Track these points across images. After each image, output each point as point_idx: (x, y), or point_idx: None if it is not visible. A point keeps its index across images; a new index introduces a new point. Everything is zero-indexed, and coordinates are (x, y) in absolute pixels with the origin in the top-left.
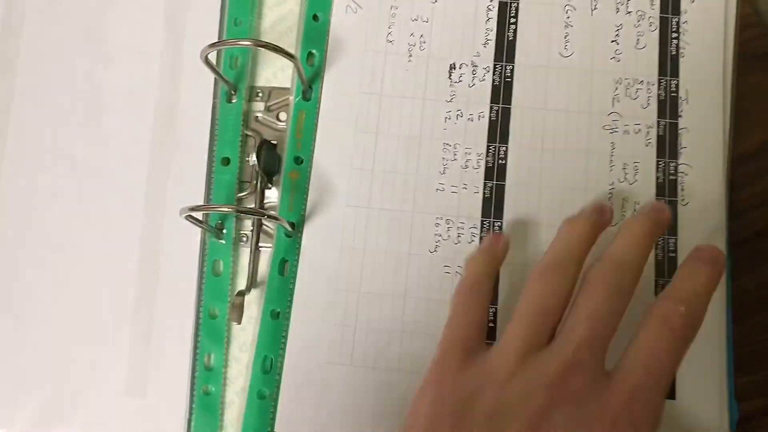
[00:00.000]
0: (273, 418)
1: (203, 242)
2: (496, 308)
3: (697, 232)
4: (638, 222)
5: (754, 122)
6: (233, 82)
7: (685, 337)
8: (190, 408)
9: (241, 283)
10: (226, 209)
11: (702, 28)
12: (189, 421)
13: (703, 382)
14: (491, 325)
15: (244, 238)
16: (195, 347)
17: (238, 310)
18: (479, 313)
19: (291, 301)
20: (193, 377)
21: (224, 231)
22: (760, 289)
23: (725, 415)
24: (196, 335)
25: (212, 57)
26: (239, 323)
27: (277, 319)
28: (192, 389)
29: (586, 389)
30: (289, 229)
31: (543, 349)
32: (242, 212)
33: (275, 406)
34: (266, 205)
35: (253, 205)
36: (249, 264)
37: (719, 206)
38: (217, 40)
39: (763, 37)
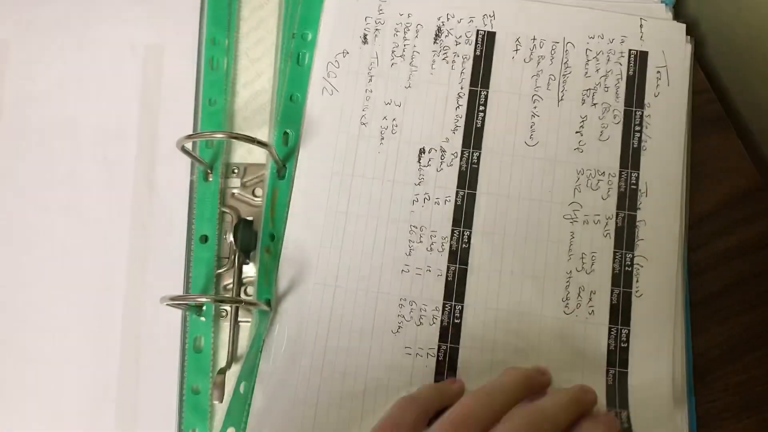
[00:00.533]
0: None
1: (184, 319)
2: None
3: (649, 324)
4: (569, 393)
5: (710, 184)
6: (209, 162)
7: None
8: None
9: (222, 359)
10: (205, 299)
11: (664, 122)
12: None
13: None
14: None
15: (224, 313)
16: (180, 424)
17: (220, 388)
18: (412, 419)
19: (256, 372)
20: None
21: (204, 308)
22: (716, 348)
23: None
24: (180, 412)
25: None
26: (221, 401)
27: (243, 393)
28: None
29: None
30: (267, 309)
31: None
32: (222, 301)
33: None
34: (244, 280)
35: (231, 281)
36: (228, 342)
37: (671, 297)
38: (192, 132)
39: (714, 102)
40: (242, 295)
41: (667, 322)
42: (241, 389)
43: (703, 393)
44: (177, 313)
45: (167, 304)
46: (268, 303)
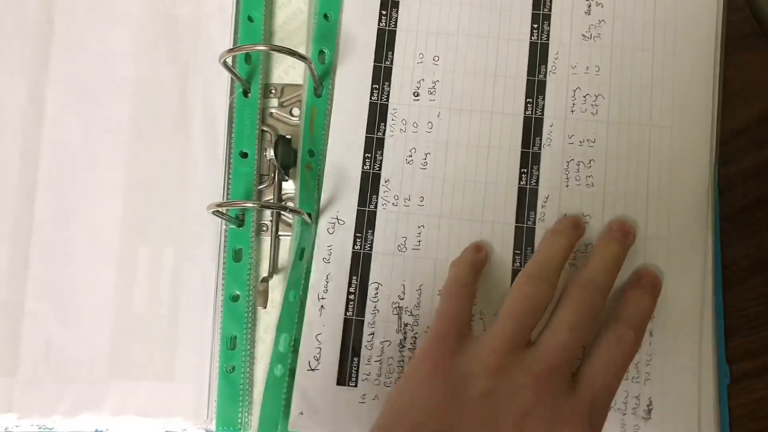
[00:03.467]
0: (289, 394)
1: (222, 234)
2: None
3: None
4: (609, 247)
5: (741, 100)
6: (247, 78)
7: (632, 356)
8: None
9: (263, 270)
10: (250, 204)
11: (692, 37)
12: (213, 396)
13: (693, 348)
14: None
15: (264, 228)
16: (215, 331)
17: (264, 295)
18: (467, 305)
19: (307, 286)
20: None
21: (243, 221)
22: (747, 259)
23: (713, 377)
24: (217, 318)
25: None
26: (265, 307)
27: (294, 301)
28: (214, 368)
29: (562, 391)
30: (309, 220)
31: (527, 348)
32: (266, 207)
33: (291, 383)
34: (284, 196)
35: (271, 197)
36: (270, 253)
37: (703, 211)
38: (233, 45)
39: (749, 20)
40: None
41: (699, 234)
42: (291, 298)
43: (733, 302)
44: (216, 227)
45: (212, 212)
46: (309, 216)
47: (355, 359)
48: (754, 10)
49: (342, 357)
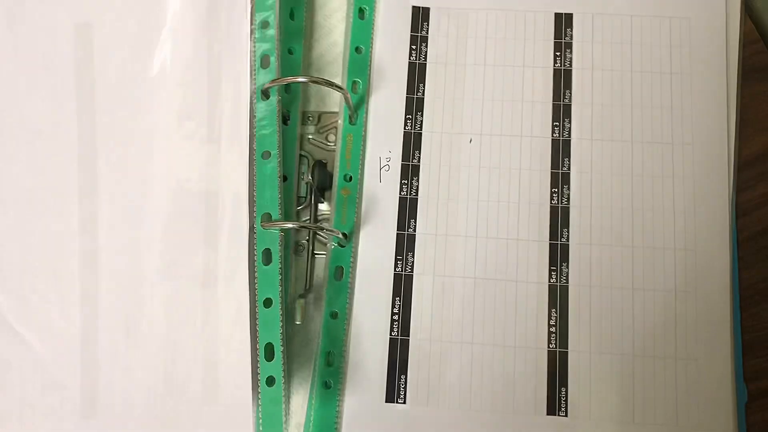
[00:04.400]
0: (340, 406)
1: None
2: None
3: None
4: None
5: (757, 130)
6: (286, 107)
7: None
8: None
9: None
10: (291, 225)
11: (711, 71)
12: (257, 405)
13: (713, 367)
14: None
15: (300, 248)
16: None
17: (302, 310)
18: None
19: (350, 302)
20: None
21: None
22: (764, 282)
23: (732, 396)
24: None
25: None
26: (300, 322)
27: (335, 319)
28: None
29: None
30: (343, 239)
31: None
32: (305, 227)
33: (341, 395)
34: (320, 217)
35: (308, 218)
36: (306, 270)
37: (724, 237)
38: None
39: (763, 52)
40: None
41: (720, 254)
42: (329, 315)
43: (750, 323)
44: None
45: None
46: (345, 236)
47: (402, 377)
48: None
49: (389, 375)
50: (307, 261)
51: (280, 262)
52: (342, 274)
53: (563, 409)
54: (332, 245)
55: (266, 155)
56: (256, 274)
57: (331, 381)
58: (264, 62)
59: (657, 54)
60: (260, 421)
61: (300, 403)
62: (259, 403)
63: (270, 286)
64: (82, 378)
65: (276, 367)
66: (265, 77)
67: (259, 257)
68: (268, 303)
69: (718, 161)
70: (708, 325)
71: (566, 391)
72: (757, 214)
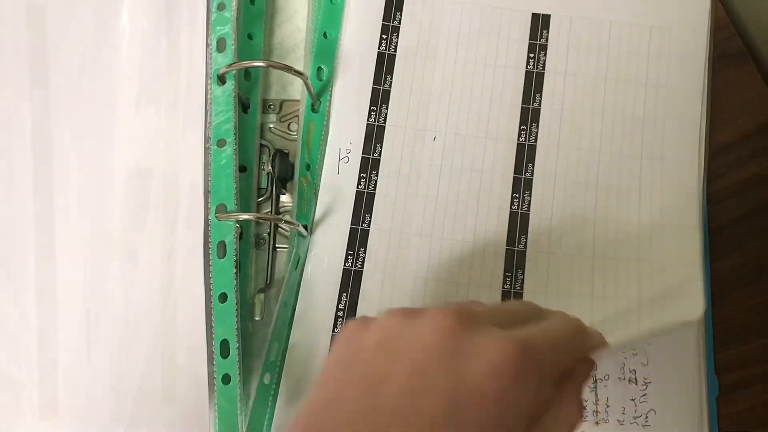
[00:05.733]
0: (273, 405)
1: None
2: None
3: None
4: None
5: (729, 117)
6: (246, 95)
7: (581, 332)
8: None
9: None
10: (247, 216)
11: (684, 57)
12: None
13: (684, 360)
14: None
15: (262, 241)
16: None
17: (261, 306)
18: None
19: (297, 294)
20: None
21: (243, 235)
22: (736, 272)
23: (704, 389)
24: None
25: None
26: (262, 318)
27: (285, 311)
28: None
29: (478, 327)
30: (304, 232)
31: None
32: (263, 219)
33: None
34: (281, 209)
35: (269, 209)
36: (267, 263)
37: (693, 226)
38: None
39: (734, 37)
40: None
41: (689, 248)
42: (284, 307)
43: (721, 314)
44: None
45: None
46: (305, 227)
47: None
48: (739, 28)
49: None
50: (268, 254)
51: (235, 256)
52: (298, 265)
53: None
54: (294, 237)
55: (221, 143)
56: (211, 267)
57: (270, 376)
58: (220, 45)
59: (634, 63)
60: (216, 420)
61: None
62: (215, 401)
63: (225, 280)
64: (41, 377)
65: (231, 365)
66: (221, 61)
67: (213, 250)
68: (223, 298)
69: (690, 150)
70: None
71: None
72: (728, 202)
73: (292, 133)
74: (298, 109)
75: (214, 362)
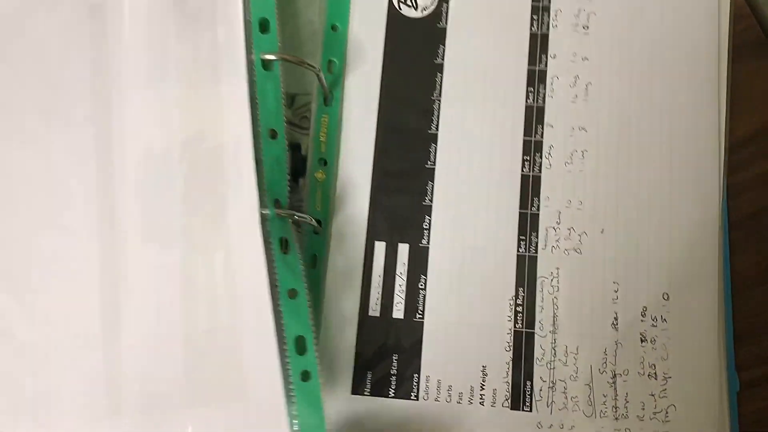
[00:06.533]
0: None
1: None
2: None
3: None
4: None
5: (749, 109)
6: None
7: None
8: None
9: None
10: (303, 216)
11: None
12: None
13: (704, 355)
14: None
15: None
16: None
17: None
18: None
19: (324, 292)
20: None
21: None
22: (757, 266)
23: (724, 385)
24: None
25: None
26: None
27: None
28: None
29: None
30: (317, 227)
31: None
32: (302, 219)
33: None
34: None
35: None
36: None
37: (714, 218)
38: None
39: (754, 27)
40: None
41: (710, 242)
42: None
43: (741, 310)
44: None
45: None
46: (319, 223)
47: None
48: (759, 19)
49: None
50: None
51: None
52: (316, 263)
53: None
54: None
55: (273, 134)
56: (274, 264)
57: (309, 370)
58: (263, 27)
59: (648, 52)
60: (296, 421)
61: None
62: (294, 401)
63: (293, 275)
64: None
65: (310, 362)
66: (266, 45)
67: (276, 246)
68: (293, 293)
69: (709, 145)
70: (698, 316)
71: None
72: (748, 195)
73: (304, 127)
74: (311, 103)
75: (288, 360)
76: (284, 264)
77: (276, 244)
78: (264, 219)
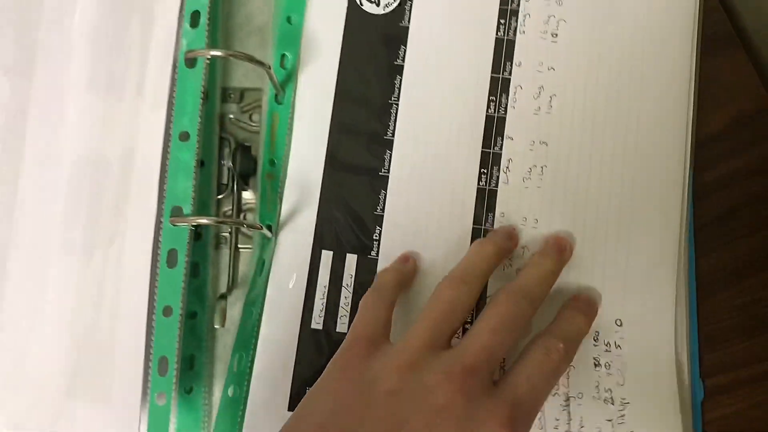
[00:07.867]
0: (242, 420)
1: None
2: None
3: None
4: (543, 261)
5: (717, 105)
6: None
7: (560, 369)
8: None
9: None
10: (206, 221)
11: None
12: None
13: (668, 363)
14: None
15: (223, 240)
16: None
17: (222, 313)
18: (384, 313)
19: (264, 300)
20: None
21: (202, 235)
22: (722, 270)
23: (687, 402)
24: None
25: None
26: (223, 326)
27: (252, 319)
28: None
29: (480, 392)
30: (269, 234)
31: (444, 350)
32: (222, 223)
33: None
34: (244, 207)
35: (230, 207)
36: (228, 267)
37: (676, 220)
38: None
39: (724, 22)
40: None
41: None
42: (250, 315)
43: (708, 314)
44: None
45: (172, 222)
46: (269, 228)
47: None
48: (729, 13)
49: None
50: (229, 257)
51: (186, 266)
52: (263, 269)
53: None
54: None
55: (184, 137)
56: (157, 276)
57: (235, 388)
58: (194, 19)
59: (617, 46)
60: None
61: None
62: (147, 418)
63: (172, 292)
64: None
65: (168, 384)
66: (194, 39)
67: (162, 258)
68: (168, 311)
69: (674, 144)
70: (660, 323)
71: None
72: (716, 196)
73: (254, 124)
74: (261, 99)
75: (149, 379)
76: (166, 279)
77: (163, 256)
78: (157, 227)
